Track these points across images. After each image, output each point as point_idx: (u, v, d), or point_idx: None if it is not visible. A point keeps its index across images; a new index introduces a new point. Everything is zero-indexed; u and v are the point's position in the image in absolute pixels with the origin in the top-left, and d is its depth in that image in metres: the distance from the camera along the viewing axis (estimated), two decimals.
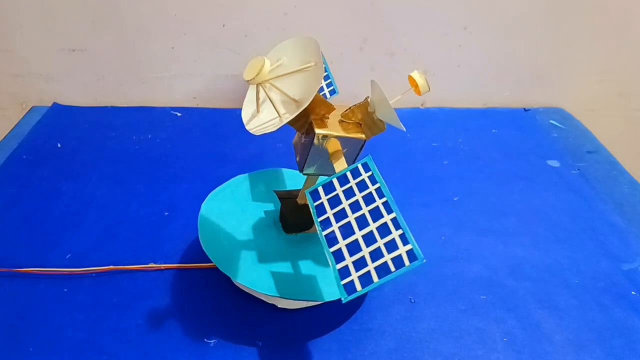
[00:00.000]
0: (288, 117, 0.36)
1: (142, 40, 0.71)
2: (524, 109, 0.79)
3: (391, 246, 0.33)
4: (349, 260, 0.34)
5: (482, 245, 0.53)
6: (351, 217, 0.36)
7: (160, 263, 0.49)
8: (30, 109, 0.75)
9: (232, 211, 0.49)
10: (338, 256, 0.34)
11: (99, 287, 0.47)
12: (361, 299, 0.46)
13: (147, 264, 0.48)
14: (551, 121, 0.75)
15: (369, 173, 0.37)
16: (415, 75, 0.38)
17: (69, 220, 0.54)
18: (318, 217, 0.36)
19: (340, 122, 0.41)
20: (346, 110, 0.41)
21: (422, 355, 0.42)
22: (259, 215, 0.49)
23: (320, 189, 0.38)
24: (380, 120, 0.40)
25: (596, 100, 0.79)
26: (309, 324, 0.44)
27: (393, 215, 0.34)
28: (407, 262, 0.32)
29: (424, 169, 0.64)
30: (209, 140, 0.68)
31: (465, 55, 0.74)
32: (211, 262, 0.43)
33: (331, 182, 0.38)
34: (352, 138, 0.40)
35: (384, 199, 0.35)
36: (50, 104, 0.75)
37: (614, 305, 0.47)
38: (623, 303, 0.47)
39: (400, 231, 0.33)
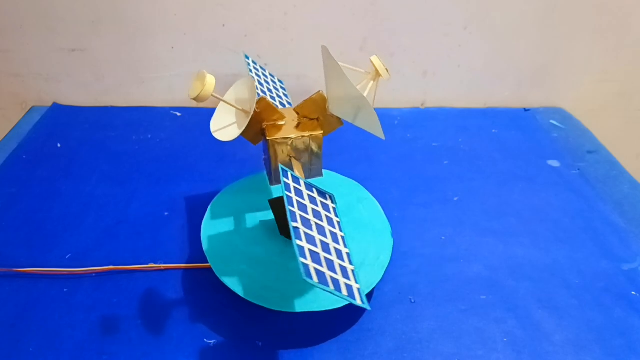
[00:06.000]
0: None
1: (142, 40, 0.71)
2: (524, 109, 0.78)
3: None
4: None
5: (482, 245, 0.53)
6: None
7: (160, 263, 0.49)
8: (30, 109, 0.75)
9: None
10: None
11: (99, 287, 0.47)
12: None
13: (147, 264, 0.48)
14: (551, 121, 0.75)
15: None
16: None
17: (69, 220, 0.54)
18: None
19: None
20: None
21: (422, 355, 0.42)
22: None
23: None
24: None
25: (596, 100, 0.79)
26: (309, 324, 0.44)
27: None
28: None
29: (424, 169, 0.64)
30: (209, 140, 0.67)
31: (465, 55, 0.74)
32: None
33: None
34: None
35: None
36: (50, 104, 0.75)
37: (614, 305, 0.47)
38: (623, 303, 0.47)
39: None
